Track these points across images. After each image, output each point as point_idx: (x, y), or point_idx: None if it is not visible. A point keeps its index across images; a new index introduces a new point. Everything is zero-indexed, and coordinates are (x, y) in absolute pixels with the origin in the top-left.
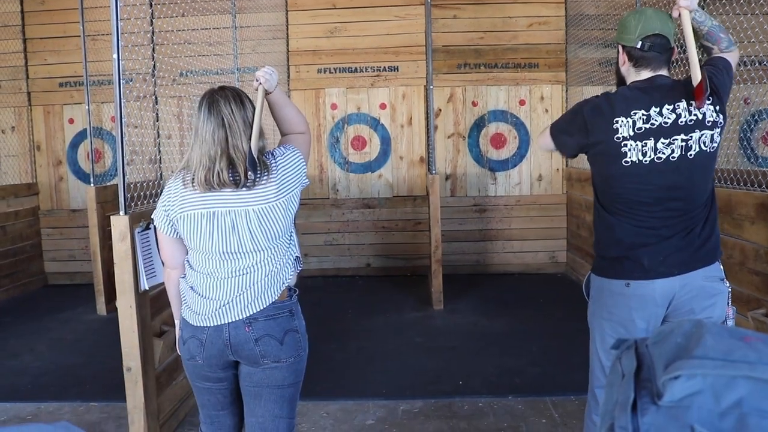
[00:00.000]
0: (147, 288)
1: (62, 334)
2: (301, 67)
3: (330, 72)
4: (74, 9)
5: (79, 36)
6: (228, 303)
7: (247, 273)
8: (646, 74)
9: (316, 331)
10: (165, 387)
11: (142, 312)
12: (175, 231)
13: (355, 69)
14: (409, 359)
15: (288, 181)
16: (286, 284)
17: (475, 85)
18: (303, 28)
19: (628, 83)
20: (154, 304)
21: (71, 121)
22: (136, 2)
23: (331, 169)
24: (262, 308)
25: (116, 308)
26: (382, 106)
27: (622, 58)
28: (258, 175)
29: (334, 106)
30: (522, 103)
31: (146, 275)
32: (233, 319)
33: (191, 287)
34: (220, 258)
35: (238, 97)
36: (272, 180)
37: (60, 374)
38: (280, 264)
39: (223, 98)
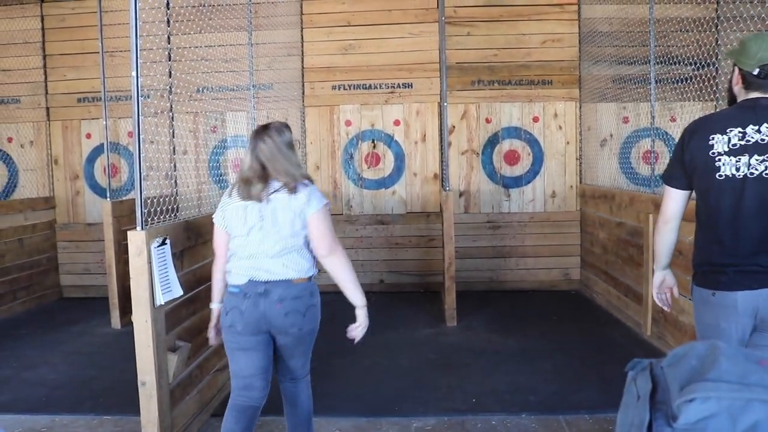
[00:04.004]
0: (163, 303)
1: (77, 347)
2: (315, 84)
3: (344, 89)
4: (93, 26)
5: (98, 52)
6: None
7: (264, 257)
8: (754, 95)
9: (328, 346)
10: (179, 402)
11: (158, 327)
12: (225, 222)
13: (370, 86)
14: (423, 376)
15: (281, 213)
16: (303, 274)
17: (488, 101)
18: (318, 45)
19: (738, 101)
20: (169, 319)
21: (88, 135)
22: (154, 20)
23: (345, 186)
24: (282, 284)
25: (130, 322)
26: (396, 123)
27: (737, 78)
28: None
29: (348, 123)
30: (536, 119)
31: (162, 290)
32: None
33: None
34: (252, 239)
35: (275, 132)
36: (270, 203)
37: (74, 387)
38: (293, 255)
39: (260, 138)
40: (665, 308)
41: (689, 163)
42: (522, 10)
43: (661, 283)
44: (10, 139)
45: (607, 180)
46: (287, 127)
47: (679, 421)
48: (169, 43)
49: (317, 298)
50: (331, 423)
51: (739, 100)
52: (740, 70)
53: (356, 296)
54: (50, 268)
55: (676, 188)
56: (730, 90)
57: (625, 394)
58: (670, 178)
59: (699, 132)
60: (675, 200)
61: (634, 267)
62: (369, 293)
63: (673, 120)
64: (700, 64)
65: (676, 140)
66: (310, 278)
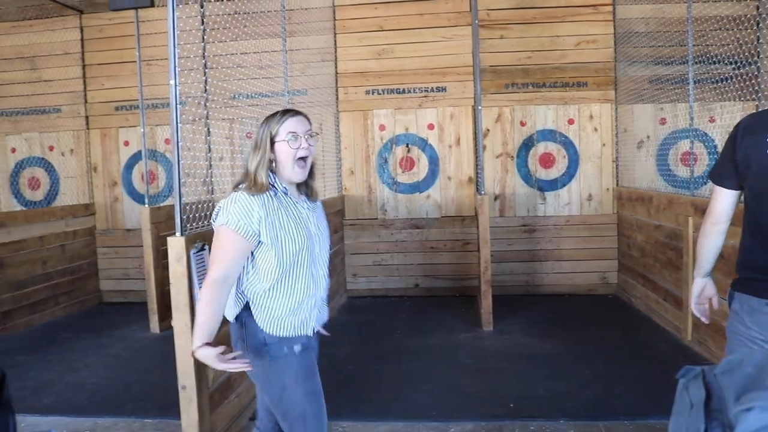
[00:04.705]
0: None
1: (117, 351)
2: (349, 89)
3: (378, 93)
4: (131, 36)
5: (135, 62)
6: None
7: None
8: None
9: (365, 350)
10: (218, 405)
11: None
12: None
13: (403, 90)
14: (459, 381)
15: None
16: (229, 312)
17: (523, 104)
18: (351, 50)
19: None
20: None
21: (126, 143)
22: (191, 28)
23: (379, 190)
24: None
25: (169, 326)
26: (430, 127)
27: None
28: None
29: (382, 127)
30: (571, 122)
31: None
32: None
33: None
34: None
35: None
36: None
37: (116, 390)
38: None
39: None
40: (704, 320)
41: (742, 162)
42: (556, 12)
43: (701, 292)
44: (51, 148)
45: (644, 182)
46: (276, 116)
47: (737, 430)
48: (204, 51)
49: (248, 331)
50: (368, 427)
51: None
52: None
53: (195, 333)
54: (91, 273)
55: (727, 188)
56: None
57: (676, 401)
58: (720, 176)
59: (755, 129)
60: (724, 201)
61: (673, 270)
62: (404, 297)
63: (712, 121)
64: (741, 63)
65: (716, 141)
66: (238, 319)
